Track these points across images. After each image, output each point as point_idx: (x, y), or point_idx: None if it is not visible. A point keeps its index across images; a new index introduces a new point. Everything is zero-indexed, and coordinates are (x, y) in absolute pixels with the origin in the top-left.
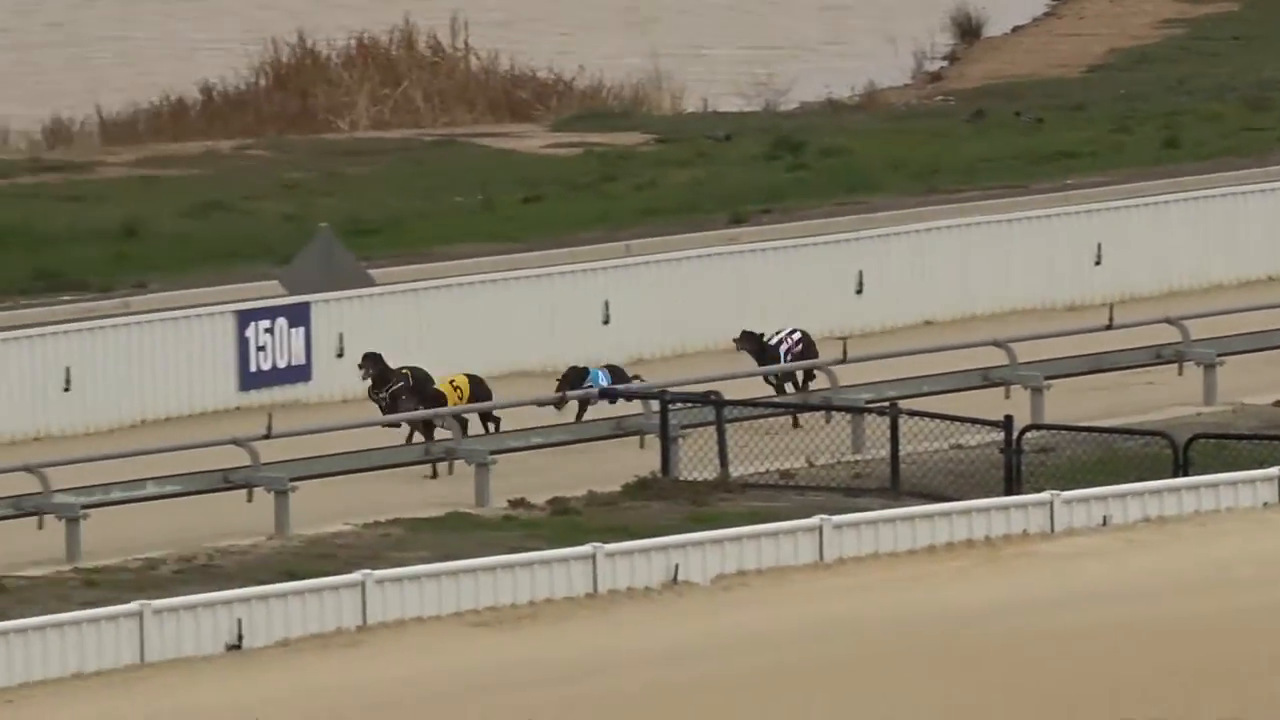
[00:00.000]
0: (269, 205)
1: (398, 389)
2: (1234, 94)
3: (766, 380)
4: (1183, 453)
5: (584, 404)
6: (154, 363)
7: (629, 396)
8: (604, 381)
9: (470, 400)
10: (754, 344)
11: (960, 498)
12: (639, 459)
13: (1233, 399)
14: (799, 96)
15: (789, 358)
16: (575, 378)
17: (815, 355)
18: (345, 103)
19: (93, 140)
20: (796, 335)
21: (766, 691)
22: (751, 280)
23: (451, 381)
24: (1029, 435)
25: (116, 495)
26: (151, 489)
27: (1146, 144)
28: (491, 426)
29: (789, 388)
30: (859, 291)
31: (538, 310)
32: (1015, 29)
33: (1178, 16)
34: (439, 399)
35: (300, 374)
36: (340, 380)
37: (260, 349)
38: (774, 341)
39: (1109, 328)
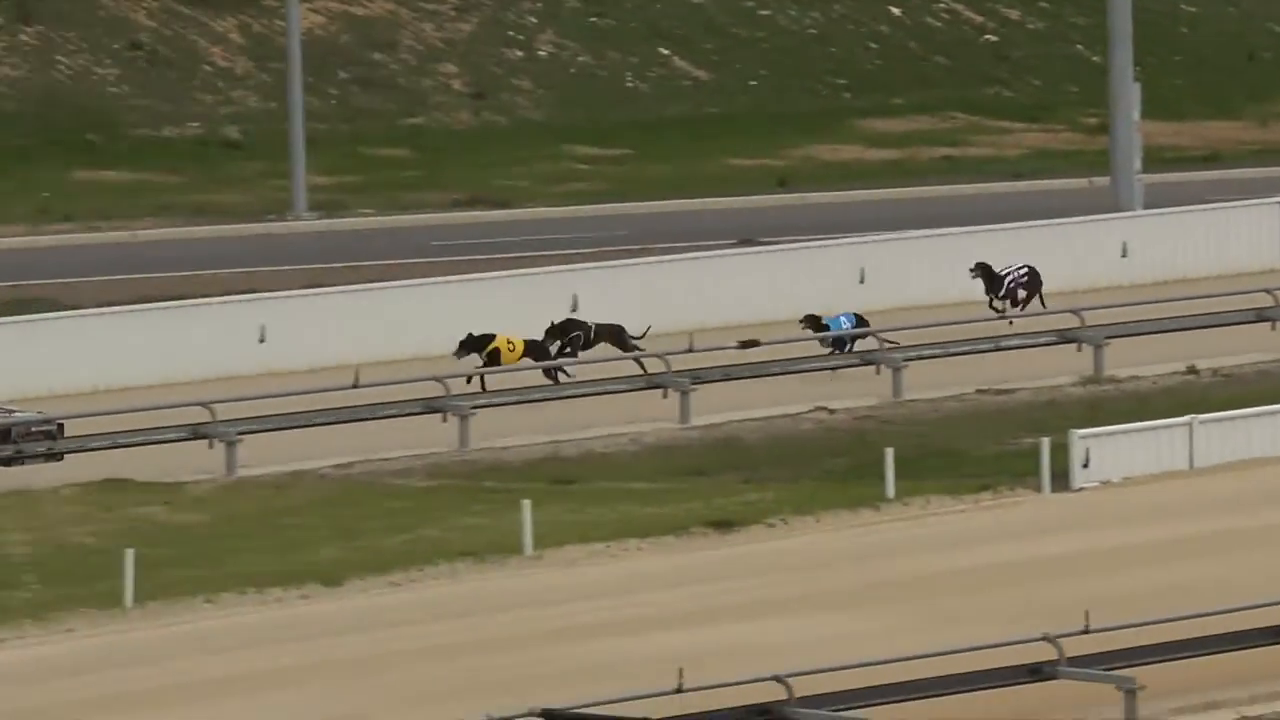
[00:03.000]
0: None
1: (575, 336)
2: None
3: (991, 306)
4: None
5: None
6: None
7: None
8: (847, 326)
9: (525, 354)
10: (985, 272)
11: None
12: None
13: None
14: None
15: (1012, 284)
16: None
17: (1039, 286)
18: None
19: None
20: (1023, 269)
21: None
22: None
23: (509, 340)
24: None
25: None
26: None
27: None
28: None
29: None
30: None
31: None
32: None
33: None
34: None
35: None
36: None
37: None
38: (1002, 272)
39: None
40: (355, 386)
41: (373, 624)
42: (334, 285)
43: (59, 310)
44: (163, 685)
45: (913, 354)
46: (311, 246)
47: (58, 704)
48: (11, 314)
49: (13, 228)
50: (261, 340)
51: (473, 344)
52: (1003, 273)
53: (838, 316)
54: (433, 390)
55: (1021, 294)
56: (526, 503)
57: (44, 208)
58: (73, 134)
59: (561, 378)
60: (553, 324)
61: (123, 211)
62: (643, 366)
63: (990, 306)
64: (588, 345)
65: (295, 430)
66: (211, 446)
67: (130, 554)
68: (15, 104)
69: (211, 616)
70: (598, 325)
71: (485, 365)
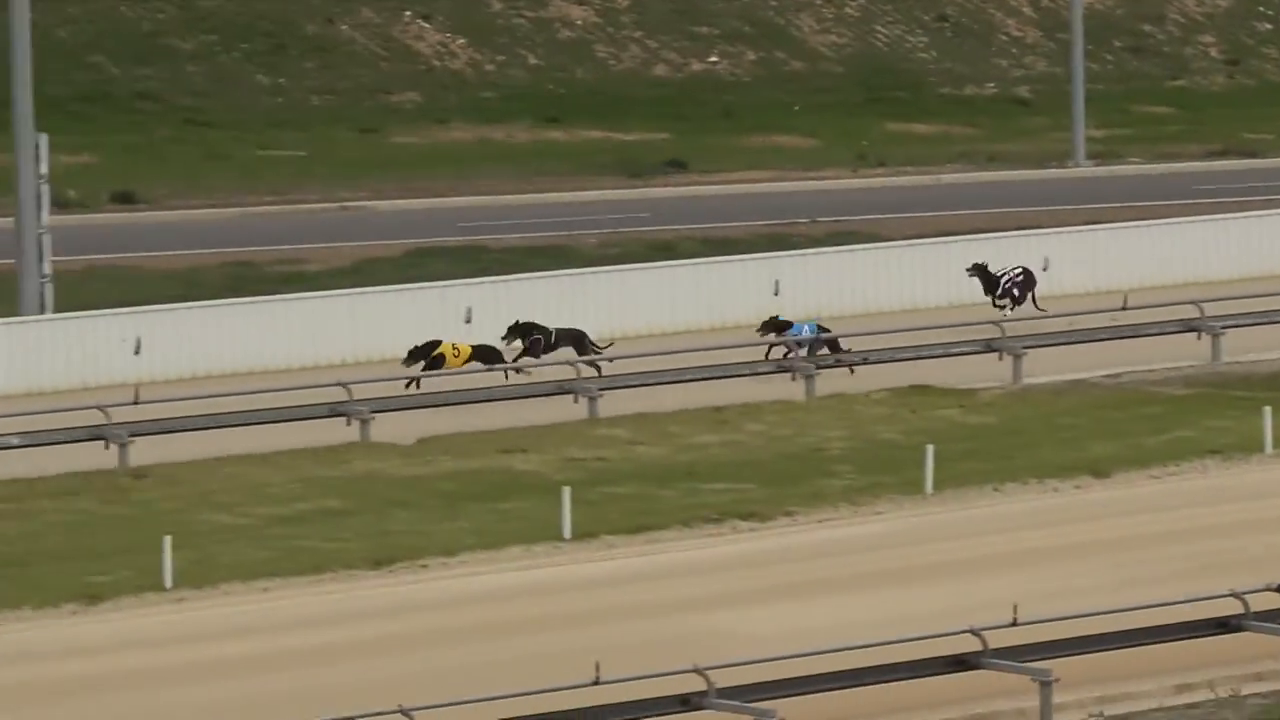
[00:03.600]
0: None
1: (535, 339)
2: None
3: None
4: None
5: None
6: None
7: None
8: (808, 333)
9: (473, 358)
10: (982, 272)
11: None
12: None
13: None
14: None
15: (1007, 284)
16: (777, 325)
17: (1033, 286)
18: None
19: None
20: (1018, 270)
21: None
22: None
23: (454, 346)
24: None
25: None
26: None
27: None
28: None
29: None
30: None
31: None
32: None
33: None
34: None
35: None
36: None
37: None
38: (999, 273)
39: None
40: (1124, 309)
41: (1135, 510)
42: (1108, 223)
43: (873, 242)
44: (959, 559)
45: None
46: (1088, 189)
47: (865, 573)
48: (834, 245)
49: (836, 171)
50: (1045, 269)
51: (419, 353)
52: (999, 273)
53: (800, 325)
54: (1189, 313)
55: (1016, 293)
56: (1267, 409)
57: (862, 155)
58: (887, 92)
59: (516, 377)
60: (516, 323)
61: (927, 159)
62: (598, 370)
63: (994, 305)
64: (549, 349)
65: (1075, 345)
66: (1001, 359)
67: (930, 449)
68: (841, 66)
69: (999, 502)
70: (558, 330)
71: (428, 370)
